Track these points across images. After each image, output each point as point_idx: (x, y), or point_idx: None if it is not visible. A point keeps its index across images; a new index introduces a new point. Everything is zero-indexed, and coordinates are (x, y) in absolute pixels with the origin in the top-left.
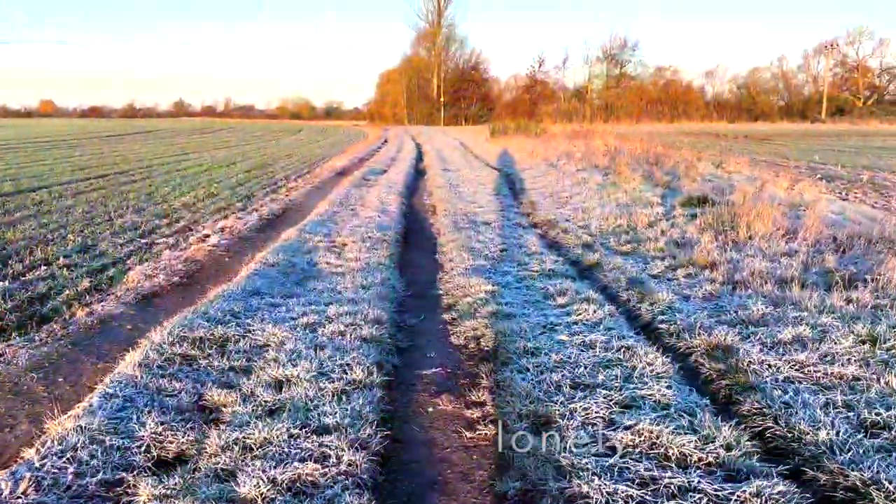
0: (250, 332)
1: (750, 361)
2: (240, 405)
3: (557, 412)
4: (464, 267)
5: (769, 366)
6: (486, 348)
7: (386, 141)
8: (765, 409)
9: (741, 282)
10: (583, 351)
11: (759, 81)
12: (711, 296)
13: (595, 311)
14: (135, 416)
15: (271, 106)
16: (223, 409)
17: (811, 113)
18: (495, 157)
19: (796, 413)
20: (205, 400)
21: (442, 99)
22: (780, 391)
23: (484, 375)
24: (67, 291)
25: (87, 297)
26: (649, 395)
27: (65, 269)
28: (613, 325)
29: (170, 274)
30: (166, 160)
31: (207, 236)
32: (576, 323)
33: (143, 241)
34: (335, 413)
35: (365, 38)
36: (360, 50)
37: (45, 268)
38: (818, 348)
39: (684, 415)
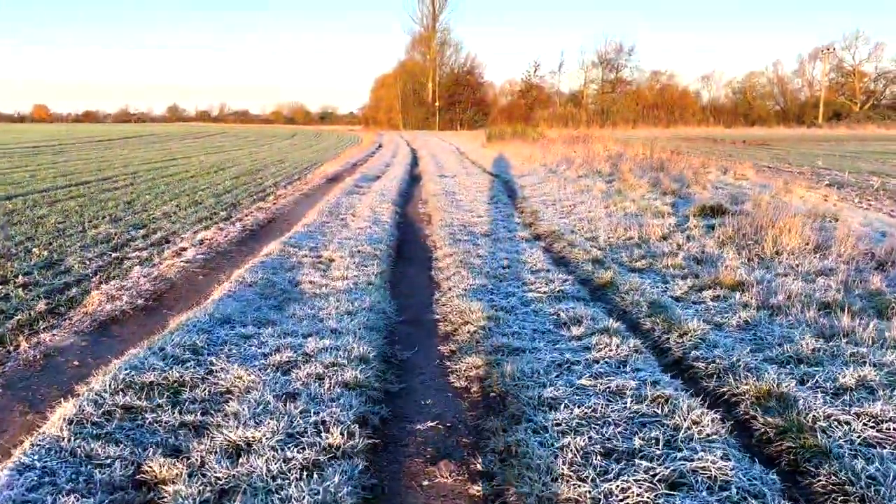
0: (211, 373)
1: (814, 416)
2: (184, 482)
3: (589, 497)
4: (463, 287)
5: (839, 422)
6: (492, 395)
7: (380, 146)
8: (847, 486)
9: (778, 307)
10: (610, 401)
11: (756, 86)
12: (747, 324)
13: (618, 347)
14: (49, 500)
15: (266, 111)
16: (164, 486)
17: (808, 118)
18: (492, 162)
19: (888, 493)
20: (144, 472)
21: (437, 104)
22: (860, 460)
23: (491, 434)
24: (19, 316)
25: (40, 322)
26: (701, 468)
27: (22, 288)
28: (642, 366)
29: (135, 295)
30: (154, 165)
31: (184, 250)
32: (597, 361)
33: (114, 255)
34: (302, 499)
35: (360, 43)
36: (356, 55)
37: (1, 287)
38: (892, 397)
39: (749, 498)
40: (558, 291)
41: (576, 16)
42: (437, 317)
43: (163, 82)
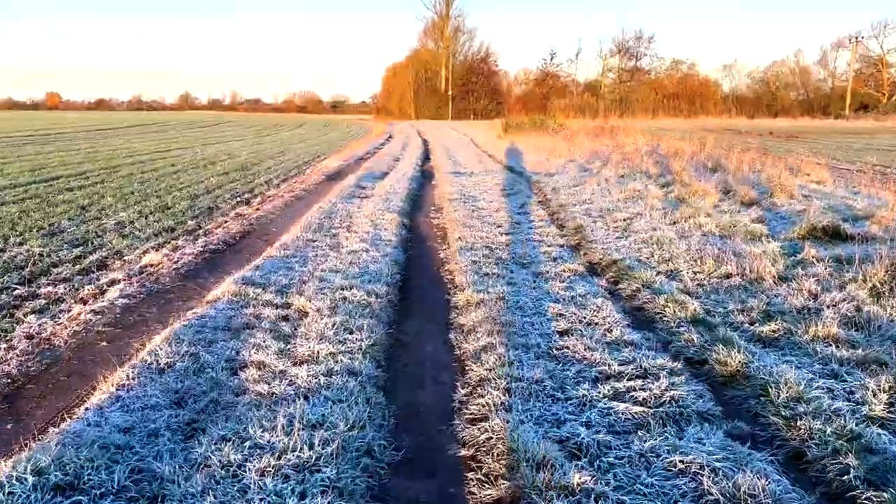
0: None
1: None
2: None
3: None
4: (504, 385)
5: None
6: None
7: (390, 137)
8: None
9: None
10: None
11: (779, 76)
12: None
13: None
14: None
15: (279, 99)
16: None
17: (833, 109)
18: (512, 156)
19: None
20: None
21: (450, 92)
22: None
23: None
24: None
25: None
26: None
27: None
28: None
29: None
30: (141, 158)
31: (114, 283)
32: None
33: (17, 291)
34: None
35: (373, 30)
36: (369, 43)
37: None
38: None
39: None
40: (668, 400)
41: (594, 2)
42: (464, 452)
43: (176, 69)
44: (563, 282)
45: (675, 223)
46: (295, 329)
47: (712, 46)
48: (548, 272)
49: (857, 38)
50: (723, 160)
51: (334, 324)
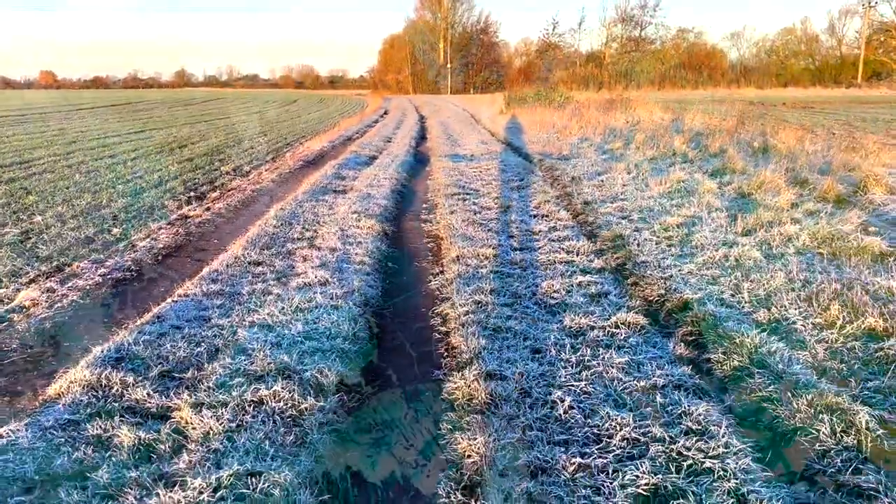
0: None
1: None
2: None
3: None
4: None
5: None
6: None
7: (386, 113)
8: None
9: None
10: None
11: (789, 44)
12: None
13: None
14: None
15: (276, 75)
16: None
17: (845, 77)
18: (518, 135)
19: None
20: None
21: (449, 66)
22: None
23: None
24: None
25: None
26: None
27: None
28: None
29: None
30: (106, 142)
31: None
32: None
33: None
34: None
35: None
36: (367, 14)
37: None
38: None
39: None
40: None
41: None
42: None
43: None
44: (619, 350)
45: (750, 232)
46: (153, 484)
47: (719, 14)
48: (589, 326)
49: (869, 3)
50: (771, 138)
51: (217, 485)
